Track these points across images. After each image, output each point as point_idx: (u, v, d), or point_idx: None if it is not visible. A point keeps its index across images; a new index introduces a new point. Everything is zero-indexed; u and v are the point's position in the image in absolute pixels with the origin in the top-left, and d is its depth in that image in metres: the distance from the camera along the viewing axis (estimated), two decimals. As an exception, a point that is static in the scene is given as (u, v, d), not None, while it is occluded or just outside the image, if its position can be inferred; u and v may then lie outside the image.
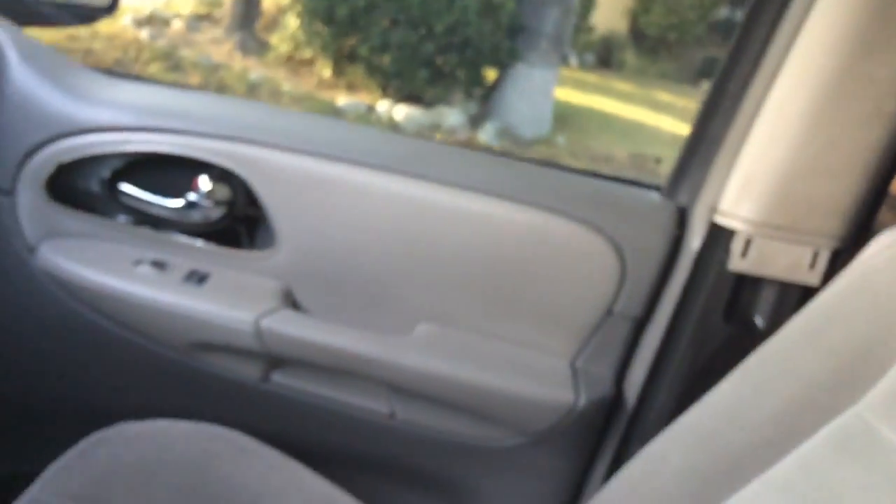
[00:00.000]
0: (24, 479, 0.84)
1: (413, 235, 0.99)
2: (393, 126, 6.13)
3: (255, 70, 6.73)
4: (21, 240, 1.01)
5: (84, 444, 0.86)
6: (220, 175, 1.02)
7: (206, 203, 1.03)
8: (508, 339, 1.01)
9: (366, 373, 0.98)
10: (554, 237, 0.97)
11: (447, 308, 1.00)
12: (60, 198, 1.02)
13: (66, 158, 0.99)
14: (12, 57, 0.98)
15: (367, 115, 6.20)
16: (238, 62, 6.95)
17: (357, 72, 6.54)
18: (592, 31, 10.10)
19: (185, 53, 6.72)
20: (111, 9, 1.32)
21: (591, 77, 9.49)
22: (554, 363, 1.00)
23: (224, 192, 1.03)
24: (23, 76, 0.98)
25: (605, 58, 10.46)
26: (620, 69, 10.28)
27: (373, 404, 1.02)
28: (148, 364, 1.03)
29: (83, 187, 1.03)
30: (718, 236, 0.92)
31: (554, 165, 1.08)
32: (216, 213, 1.03)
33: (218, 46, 7.31)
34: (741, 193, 0.89)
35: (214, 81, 6.27)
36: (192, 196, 1.03)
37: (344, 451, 1.06)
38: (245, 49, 7.21)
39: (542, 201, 0.97)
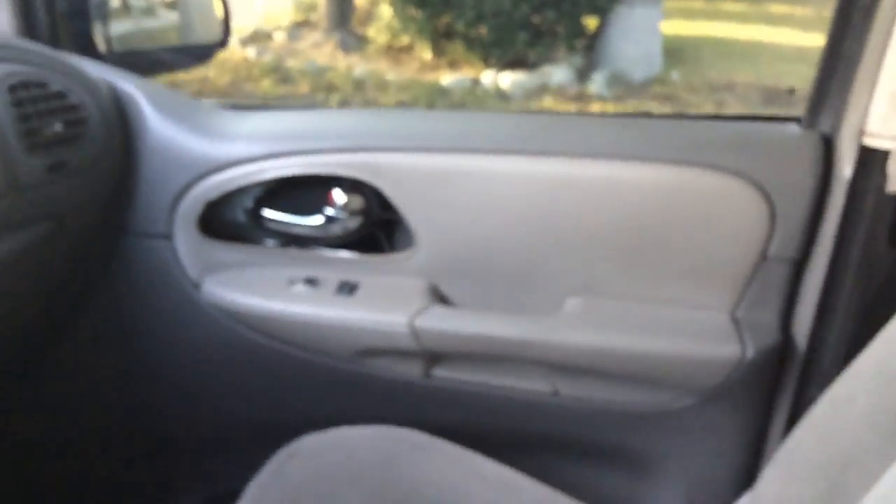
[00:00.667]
0: (222, 500, 0.90)
1: (547, 212, 0.98)
2: (500, 94, 6.09)
3: (359, 66, 6.86)
4: (185, 278, 1.08)
5: (275, 461, 0.92)
6: (352, 186, 1.05)
7: (343, 215, 1.06)
8: (662, 300, 0.99)
9: (523, 355, 0.99)
10: (692, 190, 0.94)
11: (594, 279, 1.00)
12: (212, 232, 1.08)
13: (212, 196, 1.05)
14: (148, 109, 1.05)
15: (473, 89, 6.19)
16: (341, 61, 7.10)
17: (456, 48, 6.54)
18: (691, -45, 9.59)
19: (291, 63, 6.93)
20: (223, 43, 1.38)
21: (698, 3, 9.05)
22: (714, 317, 0.97)
23: (358, 201, 1.06)
24: (160, 125, 1.05)
25: (708, -20, 9.91)
26: (728, -11, 9.73)
27: (535, 385, 1.03)
28: (317, 376, 1.09)
29: (230, 219, 1.09)
30: (871, 160, 0.87)
31: (680, 116, 1.04)
32: (354, 223, 1.07)
33: (320, 49, 7.50)
34: (889, 110, 0.83)
35: (323, 84, 6.44)
36: (329, 210, 1.07)
37: (514, 434, 1.08)
38: (345, 47, 7.36)
39: (674, 156, 0.95)
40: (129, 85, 1.06)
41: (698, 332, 0.96)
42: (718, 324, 0.96)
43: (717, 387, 0.96)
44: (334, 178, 1.04)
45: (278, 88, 6.33)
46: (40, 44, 1.03)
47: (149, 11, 1.70)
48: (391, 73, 6.56)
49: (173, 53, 1.35)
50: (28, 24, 1.06)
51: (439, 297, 1.04)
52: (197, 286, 1.08)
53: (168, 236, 1.07)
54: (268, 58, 6.97)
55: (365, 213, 1.07)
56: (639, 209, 0.96)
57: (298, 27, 8.21)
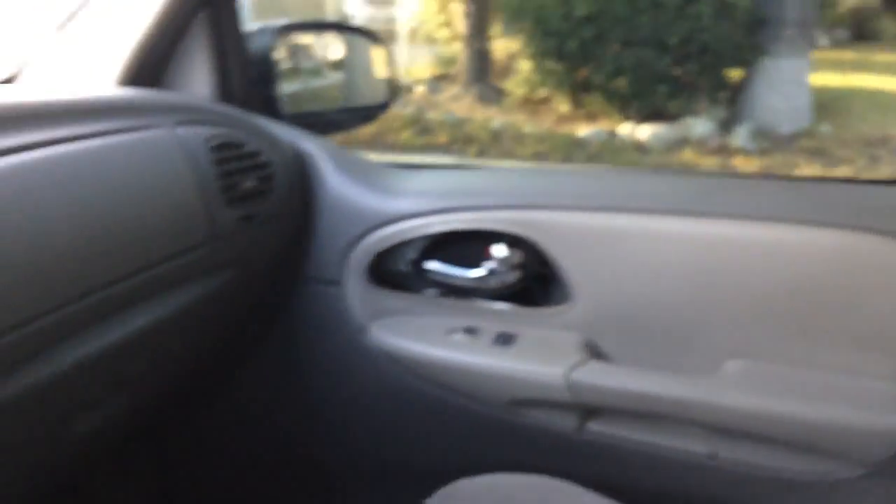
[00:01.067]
0: None
1: (709, 273, 0.99)
2: (638, 146, 6.05)
3: (496, 118, 7.01)
4: (352, 322, 1.16)
5: (432, 502, 0.96)
6: (512, 241, 1.10)
7: (503, 268, 1.11)
8: (828, 366, 0.97)
9: (681, 415, 0.99)
10: (860, 255, 0.92)
11: (755, 342, 0.99)
12: (378, 281, 1.15)
13: (381, 247, 1.12)
14: (325, 166, 1.14)
15: (611, 141, 6.19)
16: (479, 113, 7.28)
17: (594, 100, 6.58)
18: (839, 4, 9.28)
19: (431, 115, 7.16)
20: (387, 105, 1.48)
21: (848, 54, 8.70)
22: (885, 387, 0.94)
23: (517, 256, 1.10)
24: (336, 181, 1.14)
25: (859, 30, 9.56)
26: (879, 39, 9.33)
27: (692, 446, 1.02)
28: (471, 423, 1.12)
29: (394, 268, 1.16)
30: None
31: (846, 179, 1.03)
32: (512, 276, 1.11)
33: (459, 102, 7.73)
34: None
35: (461, 136, 6.61)
36: (489, 264, 1.11)
37: (668, 494, 1.07)
38: (484, 99, 7.56)
39: (841, 220, 0.93)
40: (309, 144, 1.16)
41: (869, 400, 0.93)
42: (889, 393, 0.93)
43: (888, 460, 0.93)
44: (496, 233, 1.09)
45: (418, 139, 6.56)
46: (235, 107, 1.15)
47: (315, 72, 1.84)
48: (528, 125, 6.66)
49: (345, 114, 1.45)
50: (225, 90, 1.18)
51: (594, 352, 1.06)
52: (362, 330, 1.15)
53: (338, 283, 1.15)
54: (409, 110, 7.25)
55: (523, 267, 1.10)
56: (803, 273, 0.95)
57: (438, 80, 8.52)
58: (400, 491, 1.16)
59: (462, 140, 6.46)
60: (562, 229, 1.04)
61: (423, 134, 6.68)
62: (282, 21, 1.32)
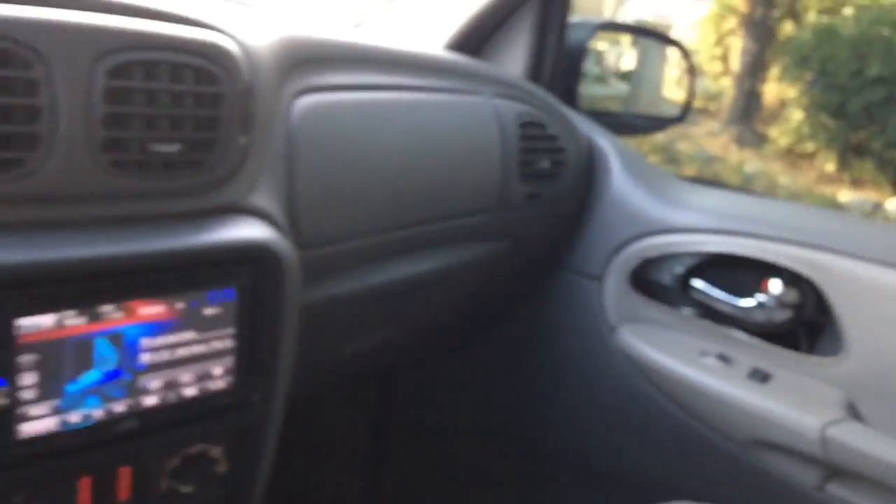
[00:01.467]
0: None
1: None
2: (905, 226, 5.51)
3: (751, 163, 6.69)
4: (603, 320, 1.17)
5: None
6: (791, 279, 1.05)
7: (773, 304, 1.07)
8: None
9: None
10: None
11: None
12: (638, 287, 1.15)
13: (651, 254, 1.12)
14: (615, 164, 1.16)
15: (874, 213, 5.69)
16: (733, 154, 6.98)
17: (865, 167, 6.08)
18: None
19: (682, 146, 6.96)
20: (681, 118, 1.47)
21: None
22: None
23: (793, 295, 1.06)
24: (621, 180, 1.15)
25: None
26: None
27: None
28: (703, 450, 1.09)
29: (657, 279, 1.16)
30: None
31: None
32: (781, 315, 1.07)
33: (713, 139, 7.45)
34: None
35: (708, 173, 6.37)
36: (760, 297, 1.08)
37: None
38: (742, 142, 7.23)
39: None
40: (603, 140, 1.19)
41: None
42: None
43: None
44: (773, 266, 1.05)
45: (663, 168, 6.40)
46: (542, 90, 1.20)
47: (600, 79, 1.86)
48: (784, 178, 6.29)
49: (637, 119, 1.46)
50: (535, 72, 1.24)
51: (854, 412, 1.00)
52: (612, 331, 1.16)
53: (598, 279, 1.17)
54: (660, 137, 7.08)
55: (797, 308, 1.06)
56: None
57: (696, 113, 8.24)
58: (609, 494, 1.15)
59: (709, 178, 6.23)
60: (852, 278, 0.99)
61: (670, 163, 6.51)
62: (603, 18, 1.35)
